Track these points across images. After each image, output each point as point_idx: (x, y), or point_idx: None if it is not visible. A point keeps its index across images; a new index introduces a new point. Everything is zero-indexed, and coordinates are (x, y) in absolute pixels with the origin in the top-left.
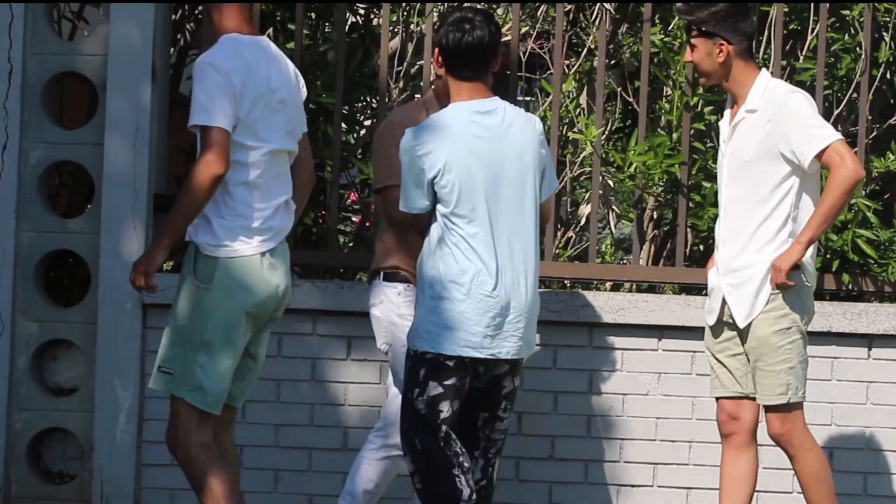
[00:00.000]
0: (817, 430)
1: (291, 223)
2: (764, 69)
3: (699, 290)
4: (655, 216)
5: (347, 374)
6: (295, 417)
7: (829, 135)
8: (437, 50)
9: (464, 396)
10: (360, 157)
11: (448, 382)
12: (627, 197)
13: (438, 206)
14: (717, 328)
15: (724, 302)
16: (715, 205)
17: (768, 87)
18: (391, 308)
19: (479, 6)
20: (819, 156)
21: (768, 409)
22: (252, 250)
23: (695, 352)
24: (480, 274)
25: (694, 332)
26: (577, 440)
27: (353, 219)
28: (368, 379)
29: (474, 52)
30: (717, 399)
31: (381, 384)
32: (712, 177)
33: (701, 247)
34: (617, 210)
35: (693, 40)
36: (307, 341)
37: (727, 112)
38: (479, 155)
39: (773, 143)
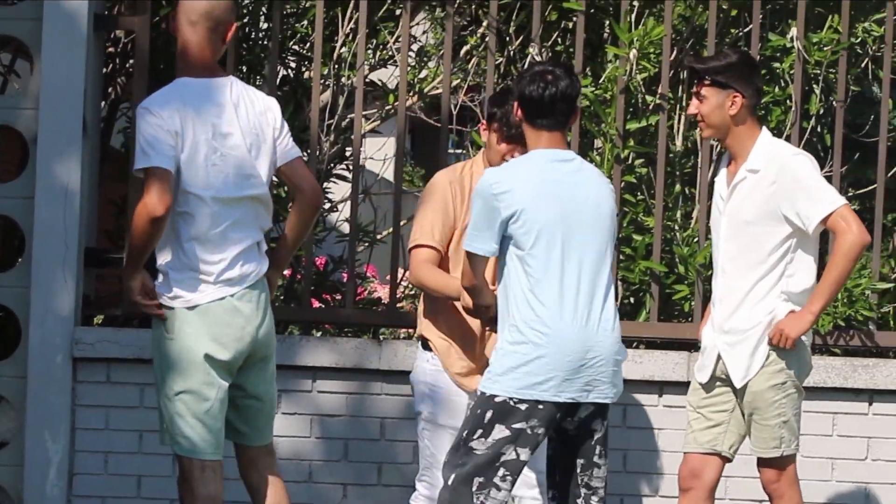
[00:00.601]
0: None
1: (261, 264)
2: (765, 128)
3: (629, 342)
4: None
5: (277, 427)
6: (225, 471)
7: (834, 199)
8: (515, 104)
9: (536, 445)
10: (289, 209)
11: (516, 426)
12: None
13: (512, 250)
14: (709, 384)
15: (717, 359)
16: (646, 258)
17: (771, 147)
18: (420, 375)
19: (557, 66)
20: (824, 220)
21: (761, 460)
22: (207, 298)
23: (626, 405)
24: (558, 318)
25: (625, 385)
26: None
27: (285, 272)
28: (298, 433)
29: (557, 101)
30: (686, 453)
31: (310, 437)
32: (643, 229)
33: (631, 299)
34: None
35: (704, 91)
36: None
37: (724, 170)
38: (557, 198)
39: (776, 204)
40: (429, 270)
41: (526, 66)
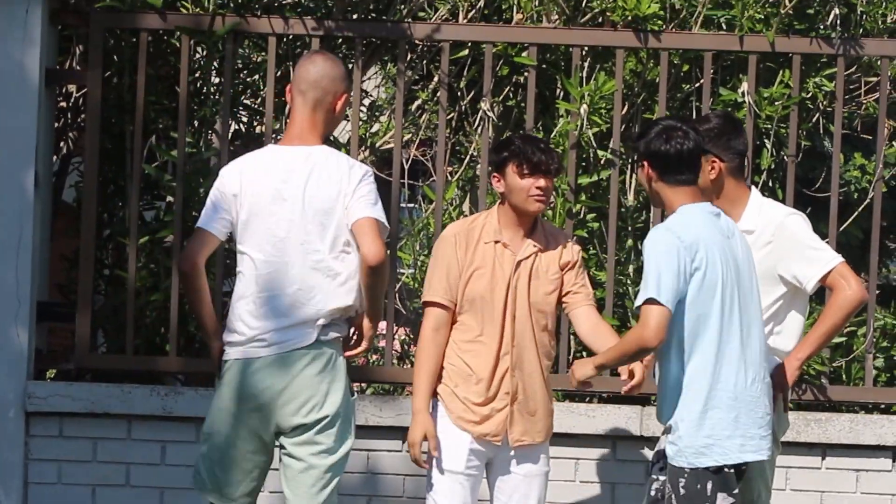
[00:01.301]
0: None
1: (301, 334)
2: (754, 187)
3: (582, 397)
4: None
5: None
6: None
7: (831, 258)
8: (645, 162)
9: None
10: None
11: (736, 492)
12: None
13: (683, 309)
14: None
15: None
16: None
17: (763, 207)
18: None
19: (676, 119)
20: (823, 279)
21: None
22: (237, 355)
23: (578, 459)
24: (741, 375)
25: (578, 439)
26: None
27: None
28: None
29: (694, 156)
30: None
31: (263, 490)
32: (595, 284)
33: (584, 353)
34: None
35: None
36: (191, 449)
37: None
38: (725, 253)
39: (772, 264)
40: (427, 346)
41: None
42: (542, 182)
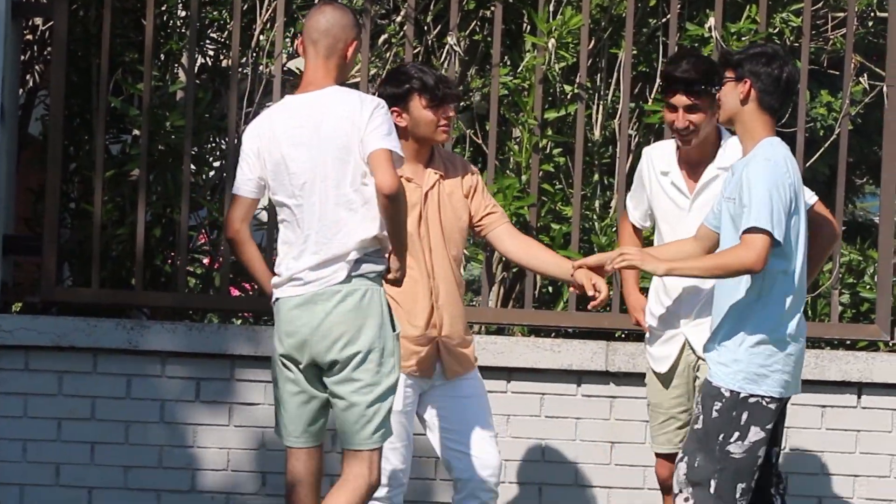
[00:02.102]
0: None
1: (332, 271)
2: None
3: (547, 332)
4: (504, 258)
5: (196, 415)
6: (143, 459)
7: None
8: (748, 80)
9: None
10: (208, 198)
11: (769, 427)
12: (476, 239)
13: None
14: (668, 376)
15: (682, 348)
16: (564, 247)
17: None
18: None
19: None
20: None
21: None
22: (278, 294)
23: (544, 394)
24: (801, 317)
25: (543, 374)
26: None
27: (204, 260)
28: (217, 421)
29: (793, 87)
30: (661, 455)
31: (229, 426)
32: (561, 219)
33: (549, 288)
34: (466, 252)
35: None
36: (156, 383)
37: (677, 168)
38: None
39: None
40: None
41: (445, 55)
42: (450, 113)
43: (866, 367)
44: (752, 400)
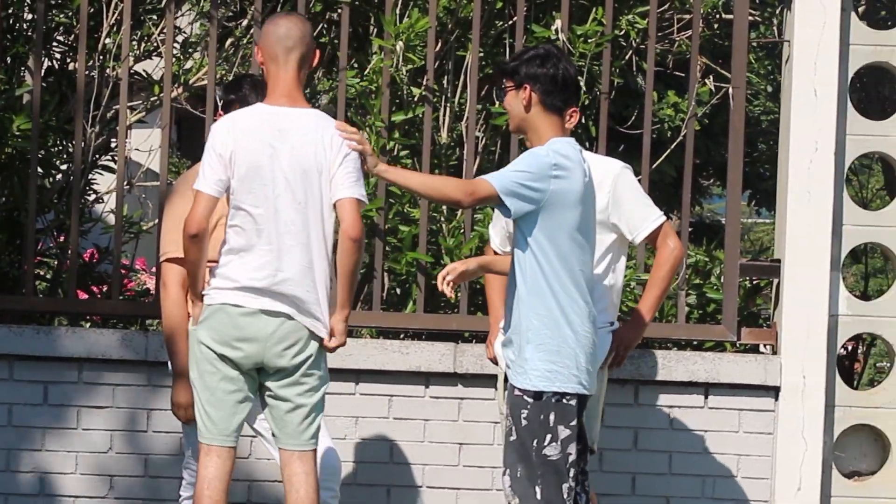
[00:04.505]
0: None
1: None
2: None
3: (395, 334)
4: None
5: (43, 419)
6: None
7: (659, 215)
8: (527, 85)
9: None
10: (55, 201)
11: (573, 424)
12: None
13: (539, 245)
14: None
15: None
16: (412, 249)
17: (591, 157)
18: None
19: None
20: (651, 234)
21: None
22: (227, 299)
23: (392, 396)
24: (581, 311)
25: (391, 376)
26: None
27: (52, 263)
28: (64, 424)
29: (572, 84)
30: None
31: (77, 429)
32: (409, 221)
33: (398, 290)
34: None
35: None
36: (3, 387)
37: None
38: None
39: (609, 213)
40: None
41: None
42: None
43: (713, 367)
44: (553, 400)
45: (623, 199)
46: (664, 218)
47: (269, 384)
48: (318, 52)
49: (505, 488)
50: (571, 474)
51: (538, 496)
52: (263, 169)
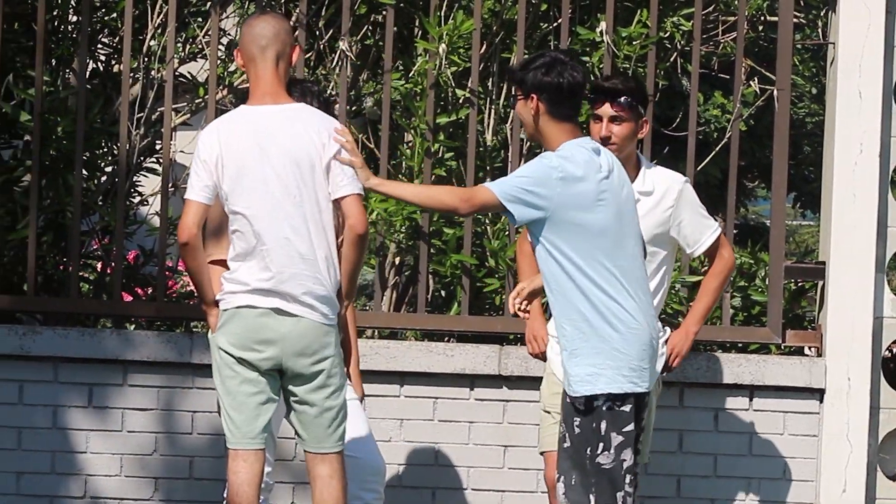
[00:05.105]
0: None
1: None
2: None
3: (440, 336)
4: (397, 262)
5: (89, 421)
6: (36, 465)
7: (716, 226)
8: (534, 95)
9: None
10: (100, 203)
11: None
12: (369, 244)
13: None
14: None
15: None
16: (457, 251)
17: (653, 169)
18: None
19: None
20: (711, 246)
21: None
22: (241, 302)
23: (437, 398)
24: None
25: (435, 379)
26: None
27: (96, 265)
28: (109, 426)
29: (580, 90)
30: (549, 453)
31: (121, 431)
32: (453, 223)
33: (443, 293)
34: None
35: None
36: (48, 389)
37: None
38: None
39: (669, 227)
40: None
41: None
42: None
43: (758, 369)
44: (605, 407)
45: (685, 214)
46: (720, 229)
47: (292, 389)
48: (297, 47)
49: (559, 496)
50: (627, 480)
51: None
52: (253, 170)
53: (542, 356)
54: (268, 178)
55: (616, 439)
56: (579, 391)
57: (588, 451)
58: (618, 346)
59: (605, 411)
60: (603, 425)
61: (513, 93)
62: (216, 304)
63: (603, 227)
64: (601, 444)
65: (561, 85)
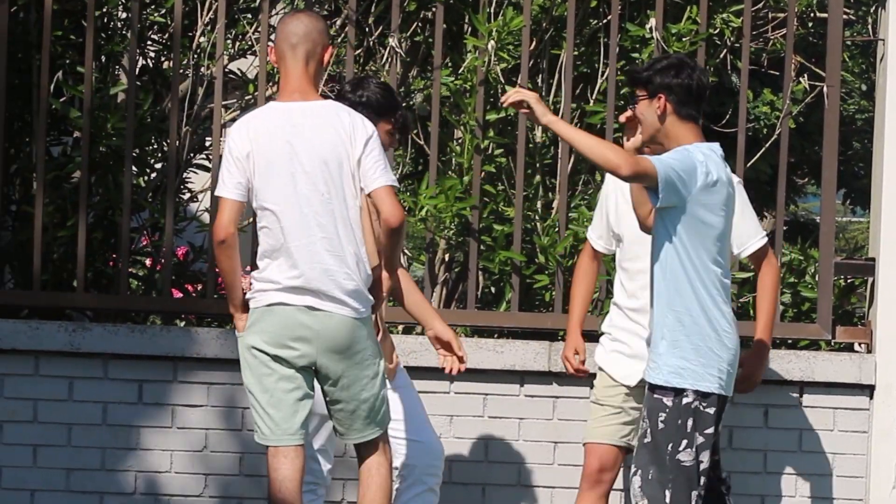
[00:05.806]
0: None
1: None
2: None
3: (490, 332)
4: (447, 259)
5: (139, 417)
6: (86, 462)
7: (763, 232)
8: (662, 95)
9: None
10: (150, 200)
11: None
12: (419, 240)
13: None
14: (631, 389)
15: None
16: (506, 248)
17: None
18: None
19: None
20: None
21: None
22: (273, 299)
23: (486, 394)
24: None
25: (485, 375)
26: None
27: (146, 262)
28: (159, 422)
29: (705, 92)
30: (594, 444)
31: (172, 427)
32: (503, 220)
33: (492, 289)
34: (408, 253)
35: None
36: (98, 385)
37: None
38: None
39: None
40: None
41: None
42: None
43: (808, 366)
44: (693, 405)
45: (736, 213)
46: (767, 237)
47: (327, 389)
48: (330, 47)
49: (634, 489)
50: (701, 482)
51: (667, 500)
52: (282, 166)
53: (583, 373)
54: (296, 175)
55: (698, 439)
56: (670, 381)
57: (669, 448)
58: (713, 347)
59: (693, 409)
60: (689, 423)
61: (634, 94)
62: (245, 306)
63: (720, 234)
64: (684, 441)
65: (690, 86)
